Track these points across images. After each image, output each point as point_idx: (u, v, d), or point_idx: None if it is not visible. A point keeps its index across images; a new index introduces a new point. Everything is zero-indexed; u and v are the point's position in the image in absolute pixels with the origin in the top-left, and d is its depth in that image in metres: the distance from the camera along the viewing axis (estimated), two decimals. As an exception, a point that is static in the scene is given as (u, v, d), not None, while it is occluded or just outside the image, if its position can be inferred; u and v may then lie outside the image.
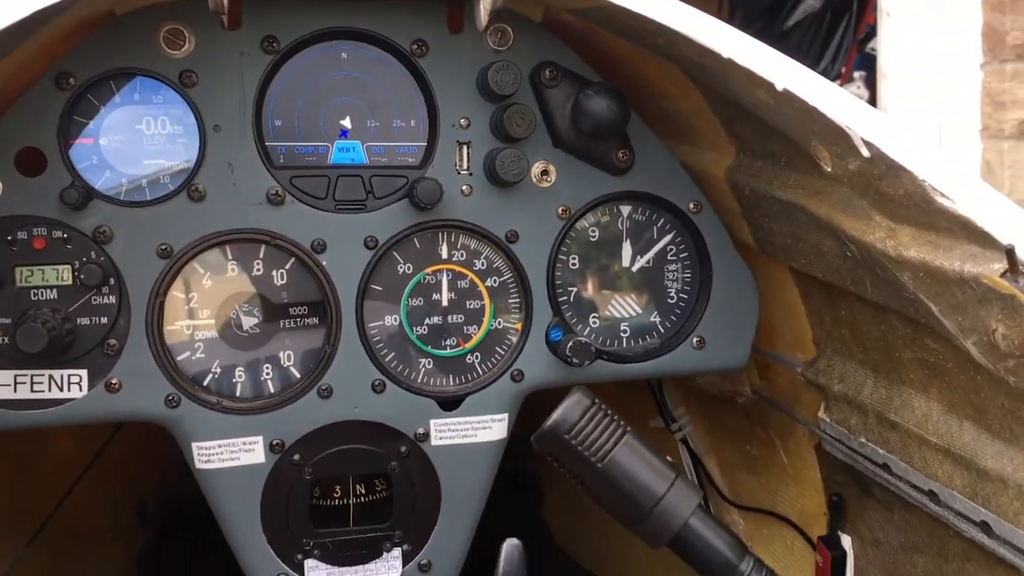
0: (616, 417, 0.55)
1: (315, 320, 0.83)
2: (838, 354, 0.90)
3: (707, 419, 1.20)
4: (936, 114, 2.81)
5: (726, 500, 1.16)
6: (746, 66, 0.68)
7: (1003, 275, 0.57)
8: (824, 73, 3.05)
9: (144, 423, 0.81)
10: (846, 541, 0.96)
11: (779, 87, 0.67)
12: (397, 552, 0.85)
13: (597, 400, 0.55)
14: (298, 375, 0.83)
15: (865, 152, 0.64)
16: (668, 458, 0.55)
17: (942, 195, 0.60)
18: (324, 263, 0.82)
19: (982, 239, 0.59)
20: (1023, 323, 0.58)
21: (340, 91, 0.83)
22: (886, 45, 3.05)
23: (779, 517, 1.07)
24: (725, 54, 0.68)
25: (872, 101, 3.04)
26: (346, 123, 0.83)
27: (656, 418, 1.23)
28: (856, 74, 3.42)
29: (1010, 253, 0.56)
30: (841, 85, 3.03)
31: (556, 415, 0.54)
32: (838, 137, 0.65)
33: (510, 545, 0.62)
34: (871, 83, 3.13)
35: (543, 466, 1.47)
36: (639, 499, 0.54)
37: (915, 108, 2.90)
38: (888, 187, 0.64)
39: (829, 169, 0.69)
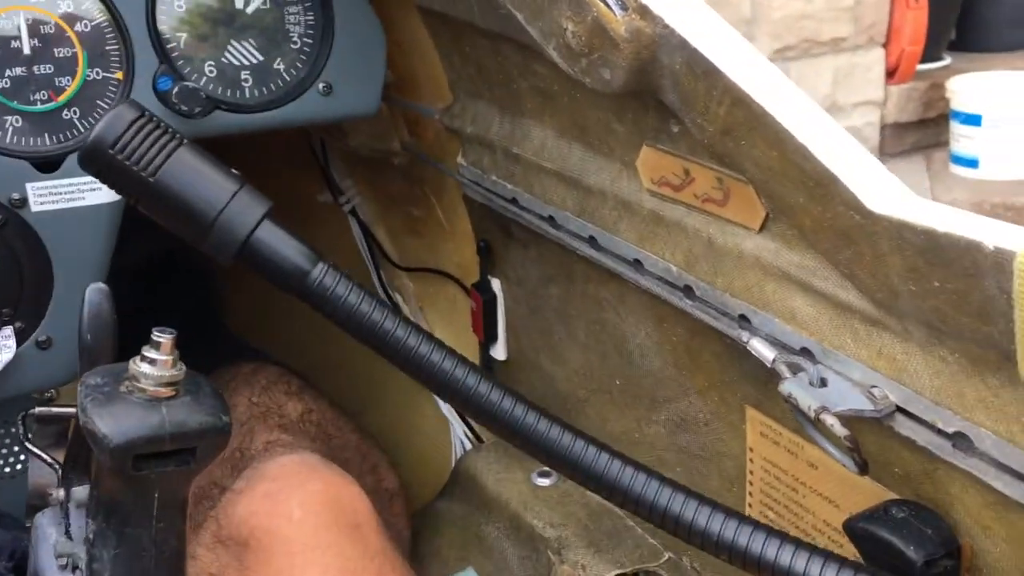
0: (171, 129, 0.51)
1: None
2: (470, 96, 0.90)
3: (372, 187, 1.20)
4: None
5: (396, 266, 1.18)
6: None
7: (566, -31, 0.58)
8: None
9: None
10: (495, 284, 1.00)
11: None
12: (8, 331, 0.79)
13: (148, 112, 0.51)
14: None
15: None
16: (234, 171, 0.53)
17: None
18: None
19: (548, -66, 0.59)
20: (587, 18, 0.58)
21: None
22: None
23: (442, 273, 1.10)
24: None
25: None
26: None
27: (324, 193, 1.21)
28: None
29: (568, -56, 0.56)
30: None
31: (97, 129, 0.49)
32: None
33: (92, 290, 0.58)
34: None
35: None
36: (199, 211, 0.51)
37: None
38: None
39: None
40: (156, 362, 0.47)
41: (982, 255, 0.45)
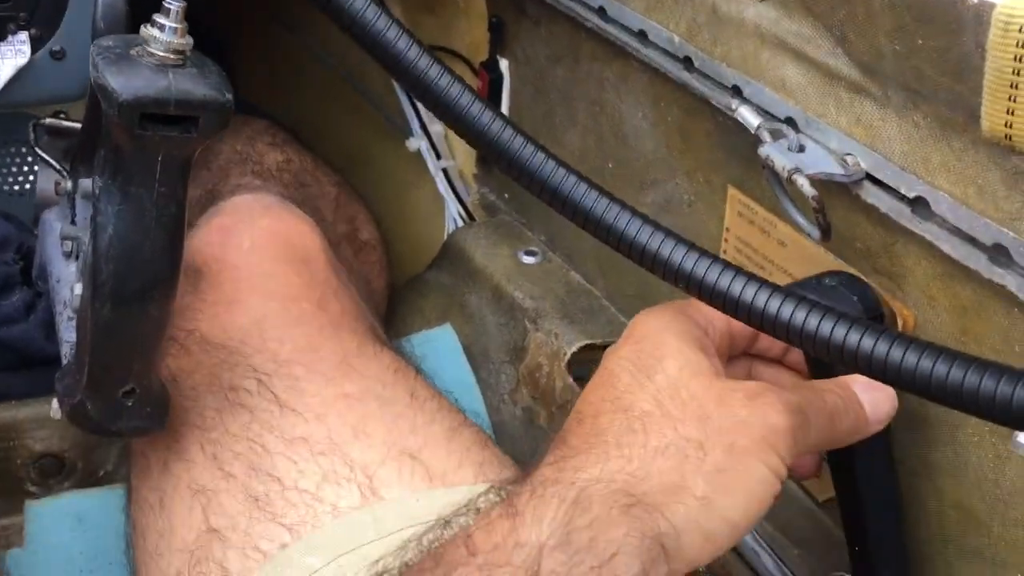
0: None
1: None
2: None
3: (392, -39, 1.19)
4: None
5: (408, 44, 1.18)
6: None
7: None
8: None
9: None
10: (503, 64, 1.01)
11: None
12: (24, 36, 0.80)
13: None
14: None
15: None
16: None
17: None
18: None
19: None
20: None
21: None
22: None
23: (452, 52, 1.11)
24: None
25: None
26: None
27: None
28: None
29: None
30: None
31: None
32: None
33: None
34: None
35: (236, 26, 1.42)
36: None
37: None
38: None
39: None
40: (166, 28, 0.49)
41: (965, 8, 0.47)
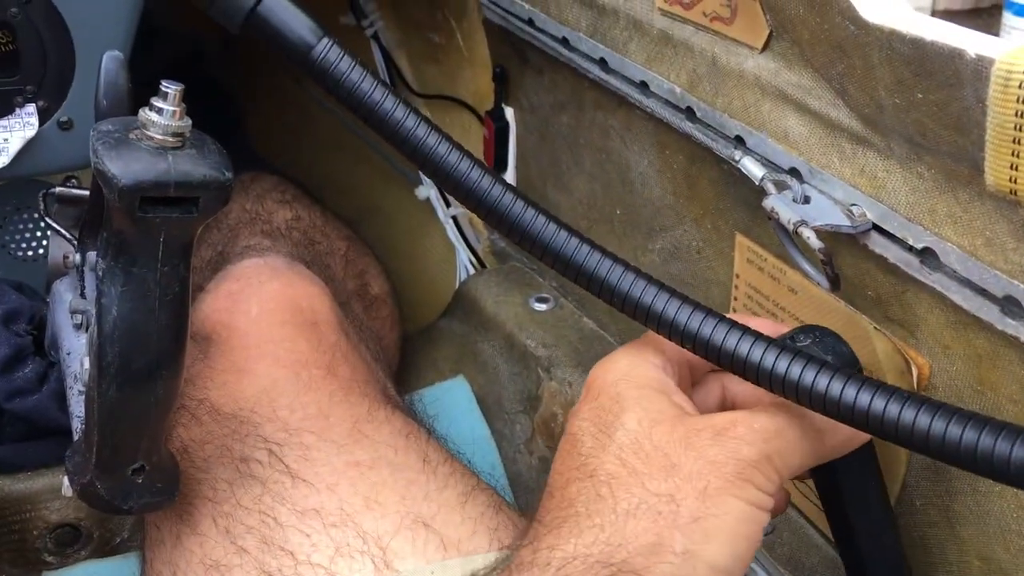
0: None
1: None
2: (494, -88, 0.90)
3: (395, 12, 1.20)
4: None
5: (414, 92, 1.19)
6: None
7: None
8: None
9: None
10: (509, 112, 1.02)
11: None
12: (31, 108, 0.81)
13: None
14: None
15: None
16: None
17: None
18: None
19: None
20: None
21: None
22: None
23: (457, 101, 1.12)
24: None
25: None
26: None
27: (348, 14, 1.21)
28: None
29: None
30: None
31: None
32: None
33: (108, 57, 0.60)
34: None
35: (246, 77, 1.44)
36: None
37: None
38: None
39: None
40: (164, 111, 0.49)
41: (963, 63, 0.46)
